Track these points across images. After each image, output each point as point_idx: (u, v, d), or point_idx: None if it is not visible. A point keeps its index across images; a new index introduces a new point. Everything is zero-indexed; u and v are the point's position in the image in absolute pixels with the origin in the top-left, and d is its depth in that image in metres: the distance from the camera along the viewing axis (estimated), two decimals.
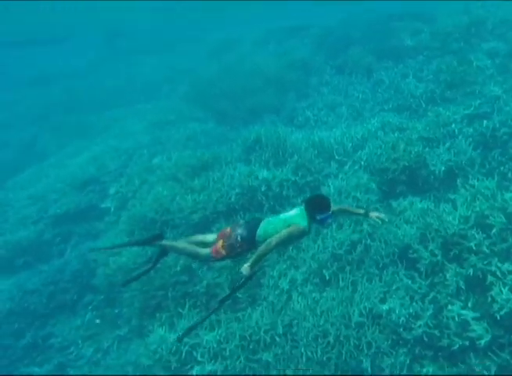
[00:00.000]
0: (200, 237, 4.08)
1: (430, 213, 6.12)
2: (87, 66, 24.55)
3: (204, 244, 3.90)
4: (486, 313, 4.96)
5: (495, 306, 4.87)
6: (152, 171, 9.80)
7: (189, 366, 5.34)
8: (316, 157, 8.13)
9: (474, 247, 5.31)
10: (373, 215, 4.01)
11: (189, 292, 6.02)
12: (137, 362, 5.80)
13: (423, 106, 9.23)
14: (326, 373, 4.97)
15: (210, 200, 7.30)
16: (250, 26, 22.93)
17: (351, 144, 8.37)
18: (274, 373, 5.09)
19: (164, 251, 3.97)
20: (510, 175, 6.70)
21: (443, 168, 6.93)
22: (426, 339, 5.01)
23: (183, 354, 5.29)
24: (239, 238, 3.67)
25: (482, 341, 4.76)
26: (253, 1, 20.89)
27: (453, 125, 7.74)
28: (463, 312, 5.03)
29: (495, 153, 7.09)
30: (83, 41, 28.28)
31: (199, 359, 5.19)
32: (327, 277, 5.80)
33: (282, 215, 3.85)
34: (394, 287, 5.50)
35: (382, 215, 4.00)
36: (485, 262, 5.20)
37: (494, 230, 5.41)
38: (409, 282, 5.46)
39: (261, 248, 3.47)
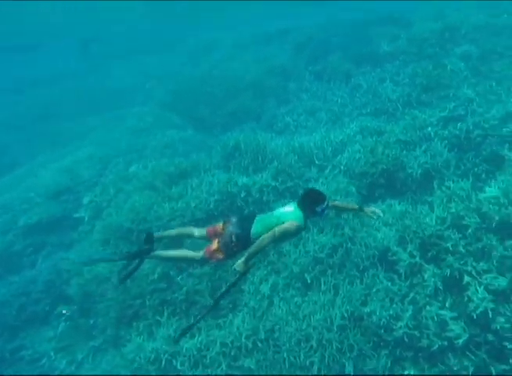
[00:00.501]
0: (186, 230, 4.15)
1: (408, 215, 6.37)
2: (60, 72, 24.29)
3: (190, 237, 3.98)
4: (463, 313, 5.19)
5: (472, 305, 5.10)
6: (128, 180, 9.79)
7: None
8: (296, 162, 8.31)
9: (450, 248, 5.56)
10: (368, 209, 4.22)
11: (168, 300, 6.03)
12: (113, 372, 5.75)
13: (400, 109, 9.61)
14: None
15: (188, 208, 7.36)
16: (227, 30, 23.22)
17: (330, 149, 8.60)
18: None
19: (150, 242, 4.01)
20: (483, 176, 7.04)
21: (420, 171, 7.23)
22: (406, 340, 5.19)
23: (163, 363, 5.31)
24: (233, 238, 3.73)
25: (460, 341, 4.98)
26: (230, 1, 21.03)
27: (429, 128, 8.10)
28: (442, 312, 5.24)
29: (469, 154, 7.45)
30: (57, 47, 28.03)
31: (179, 367, 5.22)
32: (309, 281, 5.94)
33: (276, 212, 3.93)
34: (374, 290, 5.68)
35: (377, 210, 4.21)
36: (462, 262, 5.45)
37: (469, 230, 5.69)
38: (389, 284, 5.65)
39: (255, 245, 3.53)
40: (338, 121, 10.57)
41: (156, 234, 4.16)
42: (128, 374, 5.32)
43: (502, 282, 5.19)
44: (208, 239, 4.00)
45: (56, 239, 9.33)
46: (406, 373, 5.17)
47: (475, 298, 5.12)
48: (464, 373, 4.91)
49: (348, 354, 5.17)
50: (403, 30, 13.43)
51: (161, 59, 22.10)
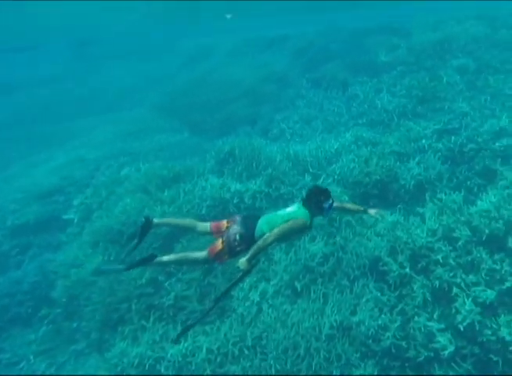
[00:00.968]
0: (187, 222, 4.21)
1: (400, 226, 6.51)
2: (55, 74, 24.39)
3: (191, 230, 4.05)
4: (450, 325, 5.32)
5: (459, 317, 5.23)
6: (120, 183, 9.86)
7: None
8: (291, 169, 8.45)
9: (440, 260, 5.71)
10: (372, 211, 4.36)
11: (155, 305, 6.08)
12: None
13: (396, 120, 9.82)
14: None
15: (180, 212, 7.44)
16: (226, 35, 23.49)
17: (325, 157, 8.78)
18: None
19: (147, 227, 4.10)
20: (475, 189, 7.24)
21: (413, 182, 7.41)
22: (394, 350, 5.29)
23: (146, 367, 5.36)
24: (237, 237, 3.76)
25: (446, 352, 5.09)
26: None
27: (423, 140, 8.32)
28: (429, 323, 5.36)
29: (462, 168, 7.67)
30: (51, 48, 28.18)
31: (163, 372, 5.27)
32: (299, 289, 6.03)
33: (280, 212, 3.98)
34: (364, 299, 5.79)
35: (382, 211, 4.35)
36: (451, 274, 5.59)
37: (460, 243, 5.86)
38: (379, 294, 5.77)
39: (260, 242, 3.55)
40: (334, 130, 10.76)
41: (156, 220, 4.18)
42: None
43: (490, 295, 5.33)
44: (211, 234, 4.04)
45: (44, 240, 9.34)
46: None
47: (463, 310, 5.25)
48: None
49: (336, 363, 5.26)
50: (402, 40, 13.72)
51: (160, 61, 22.30)
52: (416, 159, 7.82)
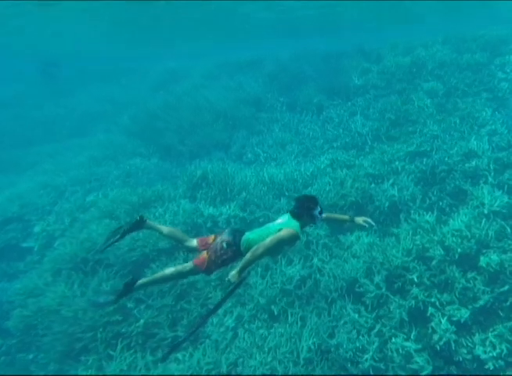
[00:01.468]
0: (178, 234, 4.37)
1: (376, 247, 6.91)
2: (14, 96, 24.25)
3: (180, 242, 4.24)
4: (427, 344, 5.62)
5: (435, 337, 5.56)
6: (85, 209, 9.91)
7: None
8: (266, 193, 8.79)
9: (415, 279, 6.08)
10: (359, 219, 4.59)
11: (123, 332, 6.09)
12: None
13: (370, 143, 10.45)
14: None
15: (150, 237, 7.58)
16: (196, 59, 24.16)
17: (301, 180, 9.19)
18: None
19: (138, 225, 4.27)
20: (447, 209, 7.77)
21: (387, 204, 7.89)
22: (372, 373, 5.52)
23: None
24: (224, 245, 3.94)
25: (424, 373, 5.37)
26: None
27: (397, 162, 8.91)
28: (407, 344, 5.64)
29: (434, 188, 8.21)
30: (12, 69, 28.16)
31: None
32: (276, 313, 6.23)
33: (269, 224, 4.15)
34: (342, 322, 6.04)
35: (368, 220, 4.59)
36: (426, 294, 5.96)
37: (434, 262, 6.27)
38: (356, 316, 6.04)
39: (250, 254, 3.66)
40: (309, 154, 11.25)
41: (149, 221, 4.36)
42: None
43: (464, 313, 5.70)
44: (197, 249, 4.19)
45: None
46: None
47: (439, 330, 5.59)
48: None
49: None
50: (373, 64, 14.53)
51: (128, 85, 22.62)
52: (390, 181, 8.34)
